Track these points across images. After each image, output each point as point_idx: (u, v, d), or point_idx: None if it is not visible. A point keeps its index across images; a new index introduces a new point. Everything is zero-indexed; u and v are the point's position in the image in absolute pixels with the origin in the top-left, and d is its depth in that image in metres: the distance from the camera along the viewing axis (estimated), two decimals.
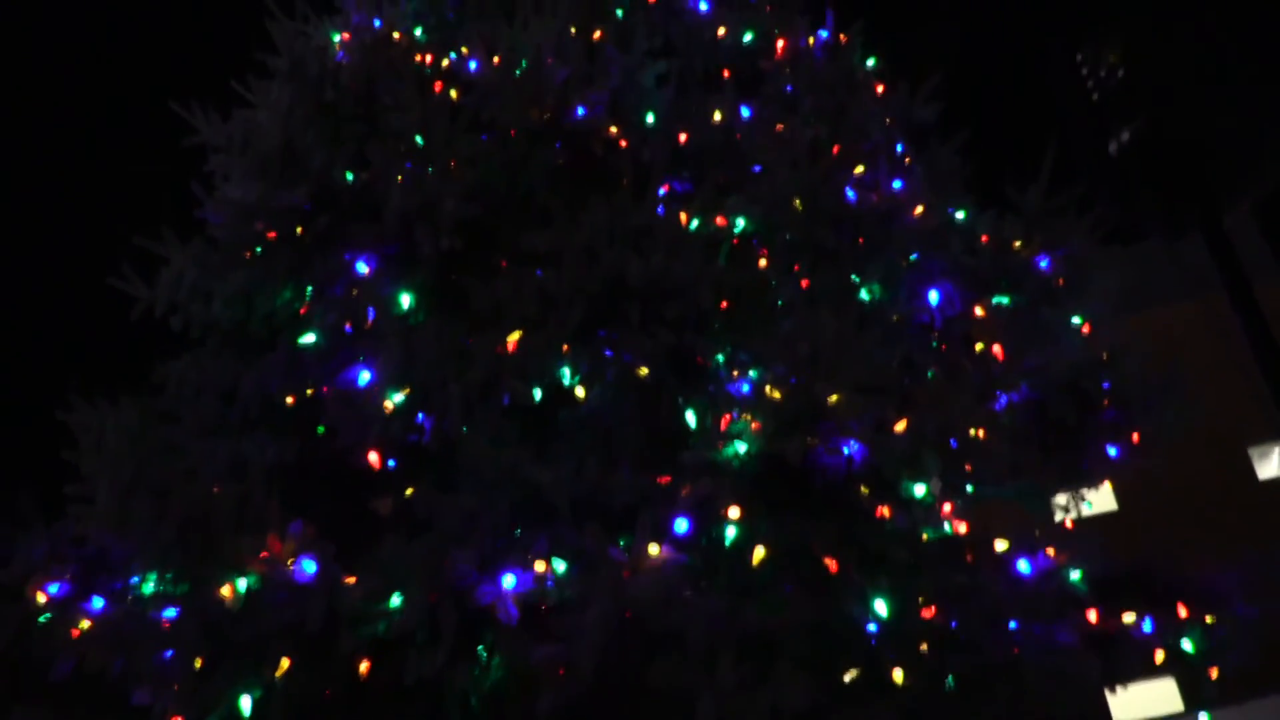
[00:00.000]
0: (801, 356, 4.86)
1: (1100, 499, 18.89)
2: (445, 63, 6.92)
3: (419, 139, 5.99)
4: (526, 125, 5.89)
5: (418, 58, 7.01)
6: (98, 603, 5.39)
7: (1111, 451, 6.42)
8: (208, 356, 6.00)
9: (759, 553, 4.74)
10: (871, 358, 4.72)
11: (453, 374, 5.05)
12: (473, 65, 6.44)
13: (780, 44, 6.78)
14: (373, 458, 5.34)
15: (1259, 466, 19.56)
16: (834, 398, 4.13)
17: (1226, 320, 17.27)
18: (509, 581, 4.25)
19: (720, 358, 5.62)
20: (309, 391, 5.89)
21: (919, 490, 4.51)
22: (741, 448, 4.41)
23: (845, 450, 4.28)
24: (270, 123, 6.12)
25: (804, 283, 5.81)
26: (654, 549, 4.12)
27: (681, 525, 4.41)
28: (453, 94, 6.77)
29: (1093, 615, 5.09)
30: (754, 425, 4.38)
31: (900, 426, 4.31)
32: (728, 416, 5.28)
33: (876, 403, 4.27)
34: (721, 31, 6.75)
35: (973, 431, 5.32)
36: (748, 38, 6.86)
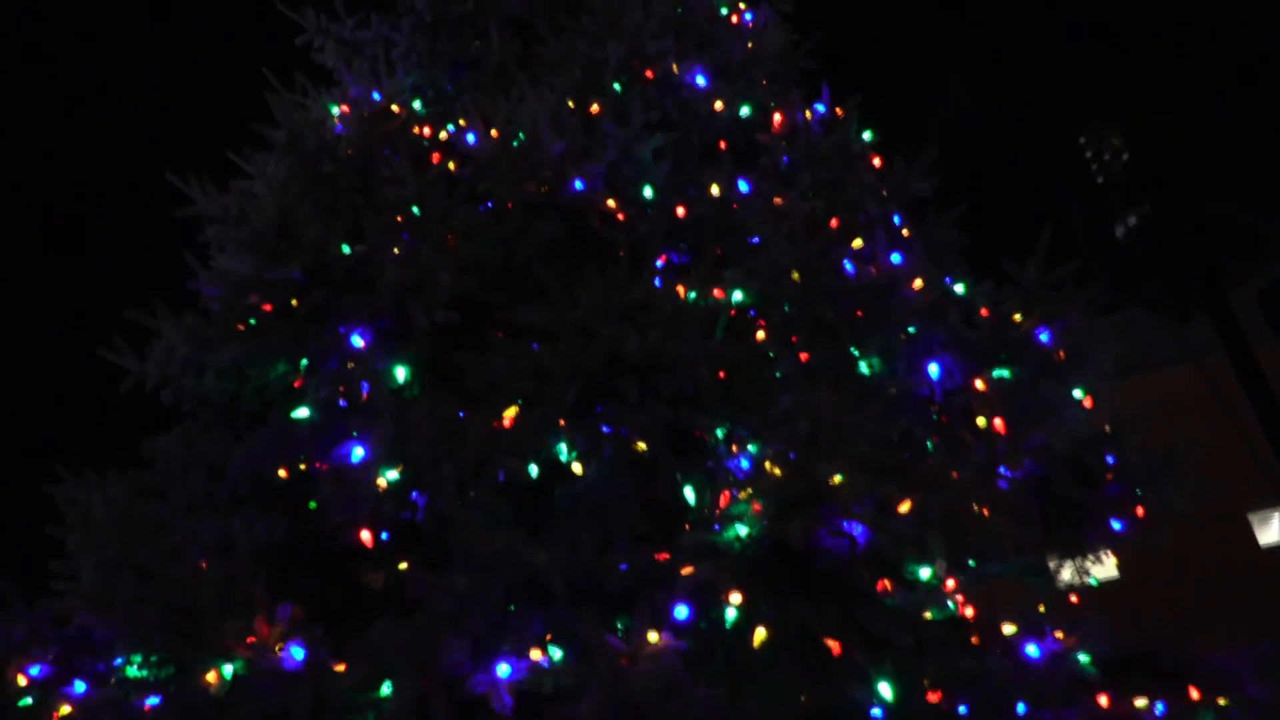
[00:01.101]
0: (801, 433, 4.78)
1: (1100, 566, 18.70)
2: (443, 135, 6.95)
3: (415, 211, 5.97)
4: (523, 198, 5.87)
5: (415, 130, 7.04)
6: (79, 687, 5.24)
7: (1116, 526, 6.33)
8: (197, 431, 5.91)
9: (760, 634, 4.62)
10: (873, 435, 4.64)
11: (446, 451, 4.96)
12: (470, 138, 6.45)
13: (777, 117, 6.81)
14: (365, 536, 5.23)
15: (1260, 533, 19.41)
16: (836, 478, 4.05)
17: (1225, 384, 17.25)
18: (503, 670, 4.13)
19: (719, 433, 5.54)
20: (301, 466, 5.79)
21: (924, 573, 4.41)
22: (742, 530, 4.31)
23: (848, 532, 4.18)
24: (266, 195, 6.09)
25: (803, 356, 5.75)
26: (653, 636, 4.00)
27: (681, 612, 4.29)
28: (450, 166, 6.79)
29: (1104, 700, 4.96)
30: (755, 507, 4.28)
31: (904, 508, 4.22)
32: (727, 493, 5.19)
33: (879, 483, 4.18)
34: (718, 105, 6.78)
35: (976, 507, 5.24)
36: (745, 111, 6.90)
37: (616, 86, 6.57)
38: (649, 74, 6.69)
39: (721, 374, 5.79)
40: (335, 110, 7.18)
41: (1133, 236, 4.79)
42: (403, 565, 5.82)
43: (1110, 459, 6.08)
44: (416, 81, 7.55)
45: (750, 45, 7.53)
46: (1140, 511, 6.35)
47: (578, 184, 5.85)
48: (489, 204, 6.29)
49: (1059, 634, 5.05)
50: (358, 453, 5.38)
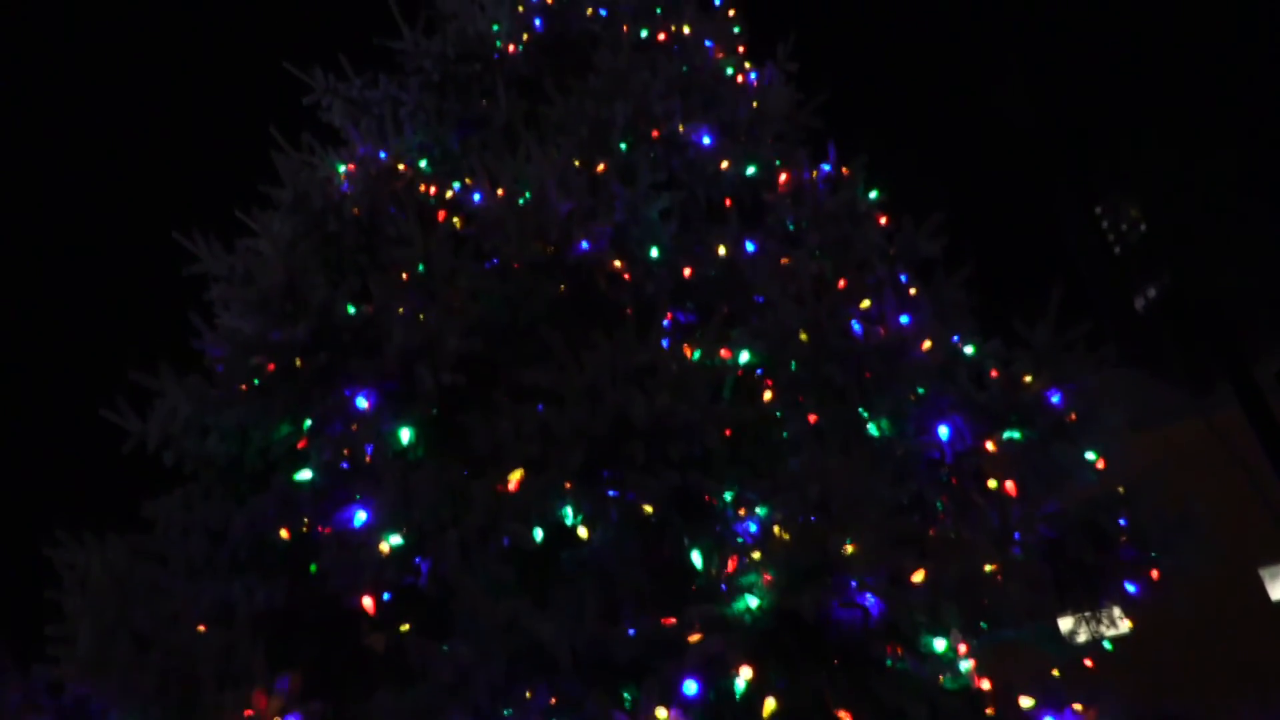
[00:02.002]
0: (812, 498, 4.70)
1: (1113, 626, 18.45)
2: (449, 194, 6.95)
3: (421, 269, 5.95)
4: (530, 259, 5.85)
5: (422, 188, 7.04)
6: None
7: (1130, 589, 6.22)
8: (198, 494, 5.84)
9: (770, 705, 4.50)
10: (885, 502, 4.57)
11: (451, 517, 4.88)
12: (476, 197, 6.45)
13: (783, 177, 6.81)
14: (367, 602, 5.14)
15: (1271, 587, 19.17)
16: (849, 548, 3.96)
17: (1235, 437, 17.13)
18: None
19: (727, 496, 5.46)
20: (303, 530, 5.71)
21: (939, 644, 4.30)
22: (753, 602, 4.22)
23: (861, 603, 4.09)
24: (272, 255, 6.08)
25: (811, 418, 5.69)
26: (661, 713, 3.89)
27: (691, 688, 4.19)
28: (456, 223, 6.78)
29: None
30: (765, 578, 4.19)
31: (918, 577, 4.13)
32: (735, 558, 5.10)
33: (893, 553, 4.10)
34: (725, 164, 6.79)
35: (988, 567, 5.14)
36: (750, 170, 6.90)
37: (623, 146, 6.58)
38: (655, 134, 6.70)
39: (728, 432, 5.74)
40: (342, 169, 7.20)
41: (1152, 307, 4.75)
42: (404, 627, 5.72)
43: (1124, 521, 5.99)
44: (423, 140, 7.58)
45: (756, 104, 7.56)
46: (1155, 574, 6.24)
47: (584, 244, 5.82)
48: (494, 260, 6.27)
49: (1077, 706, 4.92)
50: (360, 517, 5.31)
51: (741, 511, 5.45)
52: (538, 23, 7.94)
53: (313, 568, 5.69)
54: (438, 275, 5.66)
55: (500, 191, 6.20)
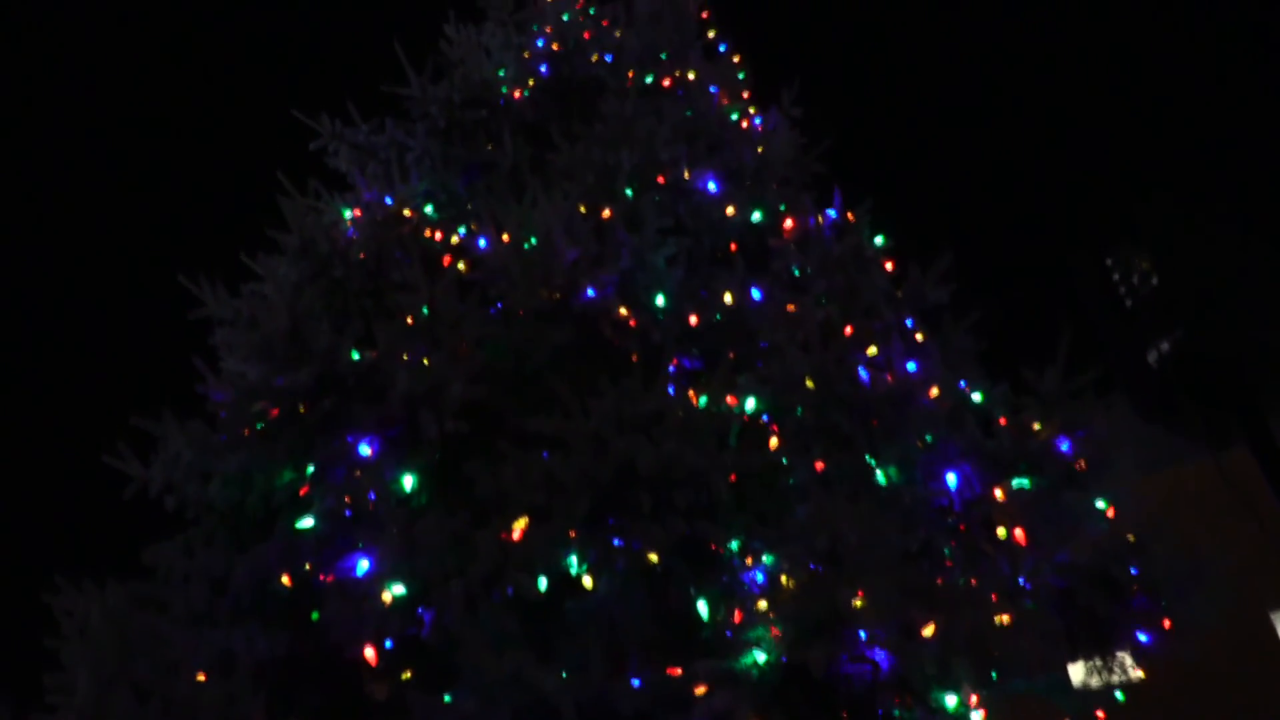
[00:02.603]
0: (820, 549, 4.65)
1: (1125, 674, 18.20)
2: (455, 239, 6.96)
3: (426, 313, 5.94)
4: (535, 305, 5.84)
5: (427, 233, 7.05)
6: None
7: (1143, 639, 6.13)
8: (200, 540, 5.79)
9: None
10: (894, 552, 4.51)
11: (454, 566, 4.83)
12: (482, 242, 6.46)
13: (788, 223, 6.81)
14: (369, 653, 5.07)
15: None
16: (858, 602, 3.91)
17: (1245, 480, 17.00)
18: None
19: (734, 545, 5.41)
20: (306, 576, 5.66)
21: (950, 700, 4.23)
22: (760, 656, 4.15)
23: (871, 658, 4.02)
24: (278, 300, 6.08)
25: (818, 465, 5.65)
26: None
27: None
28: (461, 267, 6.78)
29: None
30: (773, 632, 4.13)
31: (928, 631, 4.07)
32: (741, 609, 5.04)
33: (903, 606, 4.04)
34: (730, 210, 6.79)
35: (1000, 619, 5.06)
36: (756, 216, 6.91)
37: (629, 192, 6.59)
38: (661, 180, 6.72)
39: (734, 479, 5.69)
40: (348, 214, 7.22)
41: (1166, 362, 4.73)
42: (406, 676, 5.65)
43: (1135, 570, 5.92)
44: (429, 186, 7.60)
45: (761, 150, 7.59)
46: (1167, 624, 6.16)
47: (590, 291, 5.82)
48: (500, 305, 6.26)
49: None
50: (363, 565, 5.25)
51: (748, 560, 5.40)
52: (544, 69, 8.00)
53: (315, 616, 5.63)
54: (443, 321, 5.65)
55: (506, 237, 6.20)
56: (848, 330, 5.73)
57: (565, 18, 8.35)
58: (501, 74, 8.16)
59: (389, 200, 7.13)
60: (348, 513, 5.57)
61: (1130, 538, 6.07)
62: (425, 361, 5.55)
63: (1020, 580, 5.24)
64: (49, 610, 5.84)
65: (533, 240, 6.12)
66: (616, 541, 5.32)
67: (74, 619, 5.79)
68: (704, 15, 8.63)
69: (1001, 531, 5.77)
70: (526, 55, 8.13)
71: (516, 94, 7.94)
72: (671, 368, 6.30)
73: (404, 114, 8.02)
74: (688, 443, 4.99)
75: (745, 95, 8.48)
